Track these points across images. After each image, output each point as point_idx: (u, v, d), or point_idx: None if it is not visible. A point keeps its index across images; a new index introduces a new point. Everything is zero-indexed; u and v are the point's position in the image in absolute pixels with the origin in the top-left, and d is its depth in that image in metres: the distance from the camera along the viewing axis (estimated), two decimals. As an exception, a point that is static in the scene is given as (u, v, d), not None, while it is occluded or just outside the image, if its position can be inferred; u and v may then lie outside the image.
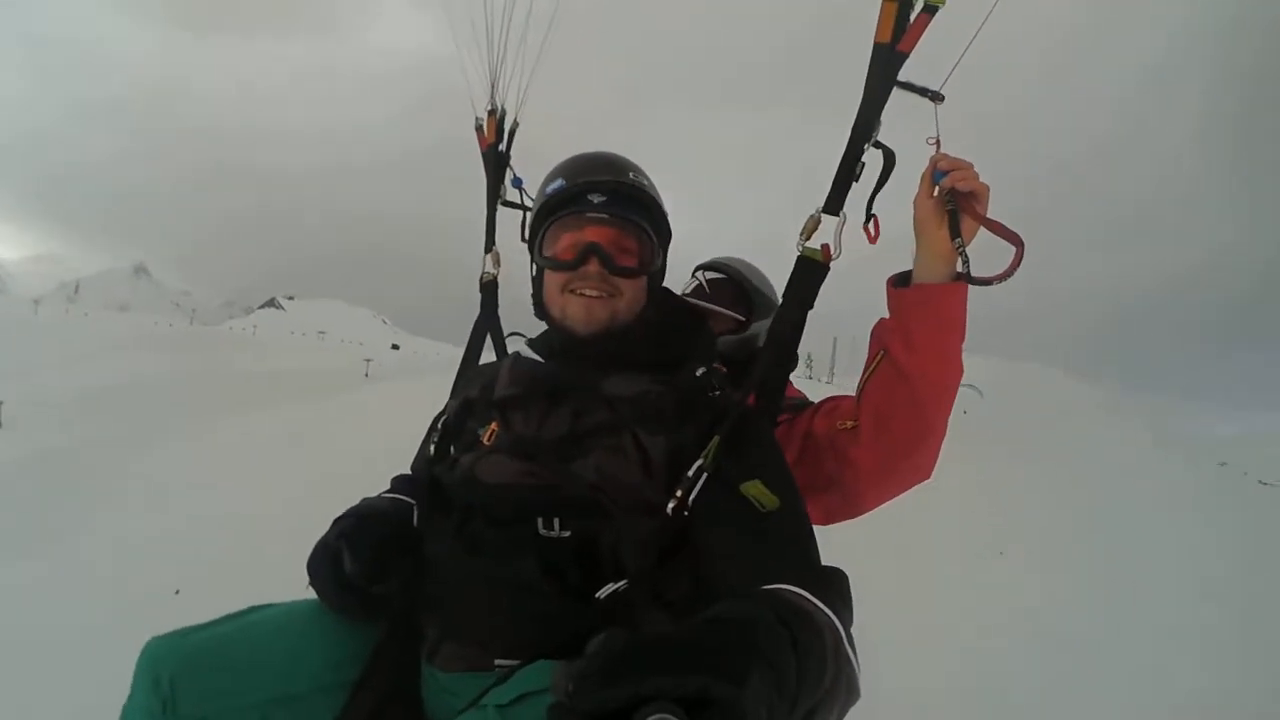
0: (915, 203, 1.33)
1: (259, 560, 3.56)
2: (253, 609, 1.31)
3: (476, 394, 1.43)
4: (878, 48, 1.28)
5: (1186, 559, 6.43)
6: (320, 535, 1.31)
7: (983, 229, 1.25)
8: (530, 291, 1.53)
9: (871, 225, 1.32)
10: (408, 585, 1.28)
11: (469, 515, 1.26)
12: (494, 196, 1.78)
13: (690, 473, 1.17)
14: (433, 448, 1.47)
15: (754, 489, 1.13)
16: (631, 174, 1.43)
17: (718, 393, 1.33)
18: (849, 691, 0.85)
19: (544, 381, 1.37)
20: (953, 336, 1.30)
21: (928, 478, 1.42)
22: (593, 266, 1.37)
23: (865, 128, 1.31)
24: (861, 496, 1.46)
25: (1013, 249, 1.19)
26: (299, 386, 15.01)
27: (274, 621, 1.29)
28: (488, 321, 1.75)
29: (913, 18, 1.26)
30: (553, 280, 1.43)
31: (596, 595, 1.12)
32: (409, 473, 1.54)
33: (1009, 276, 1.19)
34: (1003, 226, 1.22)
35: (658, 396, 1.29)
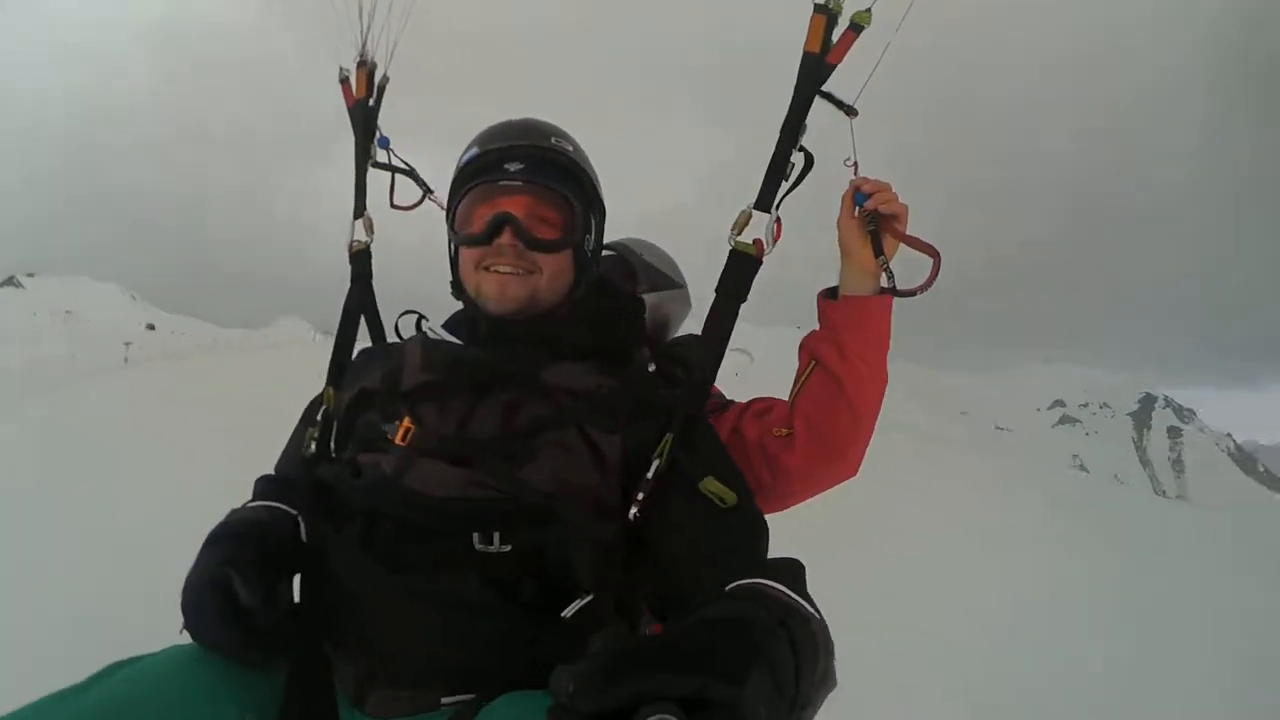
0: (839, 224, 1.38)
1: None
2: (117, 665, 1.04)
3: (377, 383, 1.28)
4: (807, 55, 1.30)
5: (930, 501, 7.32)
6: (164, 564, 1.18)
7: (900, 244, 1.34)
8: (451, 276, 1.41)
9: (775, 227, 1.34)
10: (308, 614, 1.12)
11: (374, 526, 1.12)
12: (363, 157, 1.59)
13: (650, 473, 1.12)
14: (313, 445, 1.32)
15: (712, 486, 1.10)
16: (553, 139, 1.34)
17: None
18: (832, 684, 0.87)
19: (471, 368, 1.23)
20: (882, 345, 1.39)
21: (855, 474, 1.50)
22: (506, 239, 1.26)
23: (792, 131, 1.31)
24: (791, 497, 1.52)
25: (930, 260, 1.28)
26: (43, 378, 13.00)
27: (150, 679, 1.01)
28: (361, 297, 1.53)
29: (839, 34, 1.29)
30: (467, 257, 1.32)
31: (562, 614, 1.05)
32: (273, 474, 1.38)
33: (930, 286, 1.27)
34: (921, 241, 1.29)
35: (611, 392, 1.21)
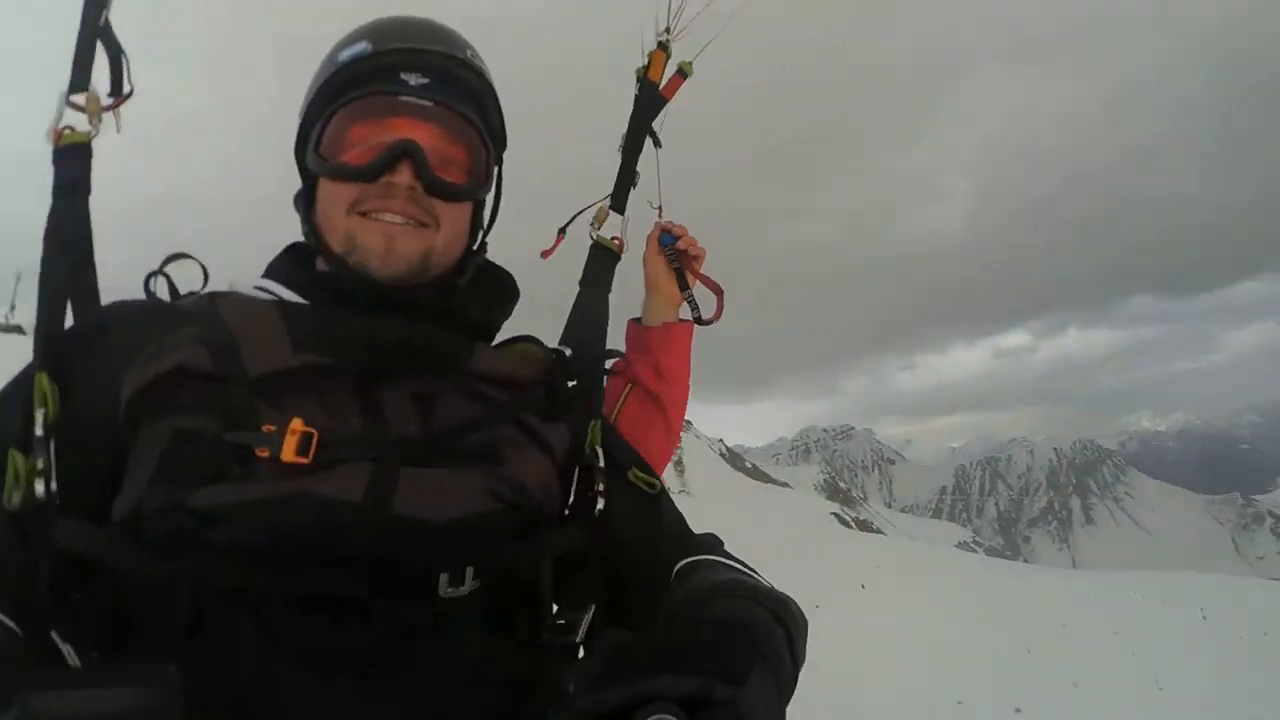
0: (646, 259, 1.52)
1: None
2: None
3: (208, 363, 0.83)
4: (649, 81, 1.39)
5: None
6: None
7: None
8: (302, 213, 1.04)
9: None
10: None
11: (267, 607, 0.75)
12: (96, 7, 0.95)
13: (600, 463, 1.02)
14: (41, 485, 0.76)
15: (639, 474, 1.05)
16: (469, 51, 1.02)
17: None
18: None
19: (385, 346, 0.91)
20: (688, 365, 1.54)
21: (660, 476, 1.41)
22: (403, 177, 0.92)
23: (637, 143, 1.37)
24: None
25: (716, 296, 1.51)
26: None
27: None
28: (72, 222, 0.90)
29: (668, 78, 1.41)
30: (335, 195, 0.95)
31: (576, 640, 0.91)
32: None
33: (720, 316, 1.51)
34: (711, 279, 1.51)
35: (537, 379, 1.03)
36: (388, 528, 0.80)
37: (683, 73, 1.41)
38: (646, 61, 1.39)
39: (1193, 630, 6.90)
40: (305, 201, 1.03)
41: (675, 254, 1.49)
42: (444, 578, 0.80)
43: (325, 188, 0.98)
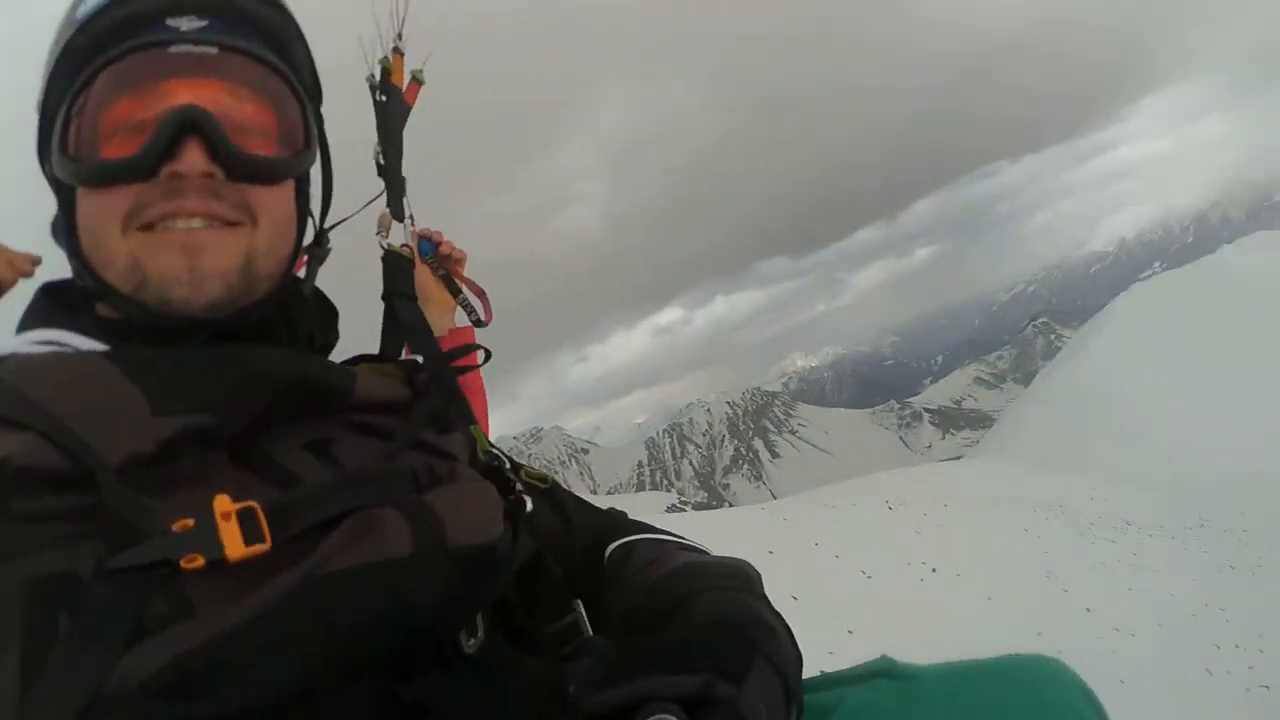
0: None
1: None
2: None
3: (48, 457, 0.56)
4: (395, 87, 1.33)
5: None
6: None
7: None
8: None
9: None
10: None
11: None
12: None
13: (508, 467, 0.89)
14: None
15: (529, 472, 0.94)
16: None
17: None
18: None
19: (268, 388, 0.68)
20: (479, 372, 1.47)
21: None
22: (192, 160, 0.66)
23: (398, 151, 1.29)
24: None
25: (480, 299, 1.53)
26: None
27: None
28: None
29: (408, 83, 1.36)
30: (103, 209, 0.68)
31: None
32: None
33: (491, 317, 1.52)
34: (473, 282, 1.53)
35: (415, 393, 0.83)
36: (452, 572, 0.63)
37: (417, 80, 1.37)
38: (381, 68, 1.32)
39: (883, 520, 7.31)
40: (65, 228, 0.73)
41: (438, 260, 1.47)
42: (464, 634, 0.65)
43: (87, 201, 0.69)
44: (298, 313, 0.81)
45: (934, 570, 5.40)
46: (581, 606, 0.84)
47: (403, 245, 1.29)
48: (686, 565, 0.82)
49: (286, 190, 0.77)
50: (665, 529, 0.94)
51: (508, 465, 0.90)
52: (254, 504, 0.58)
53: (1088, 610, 4.42)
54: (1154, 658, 3.67)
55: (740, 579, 0.80)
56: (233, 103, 0.70)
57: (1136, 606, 4.36)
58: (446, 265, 1.48)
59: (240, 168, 0.69)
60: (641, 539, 0.90)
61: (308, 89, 0.80)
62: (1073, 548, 5.93)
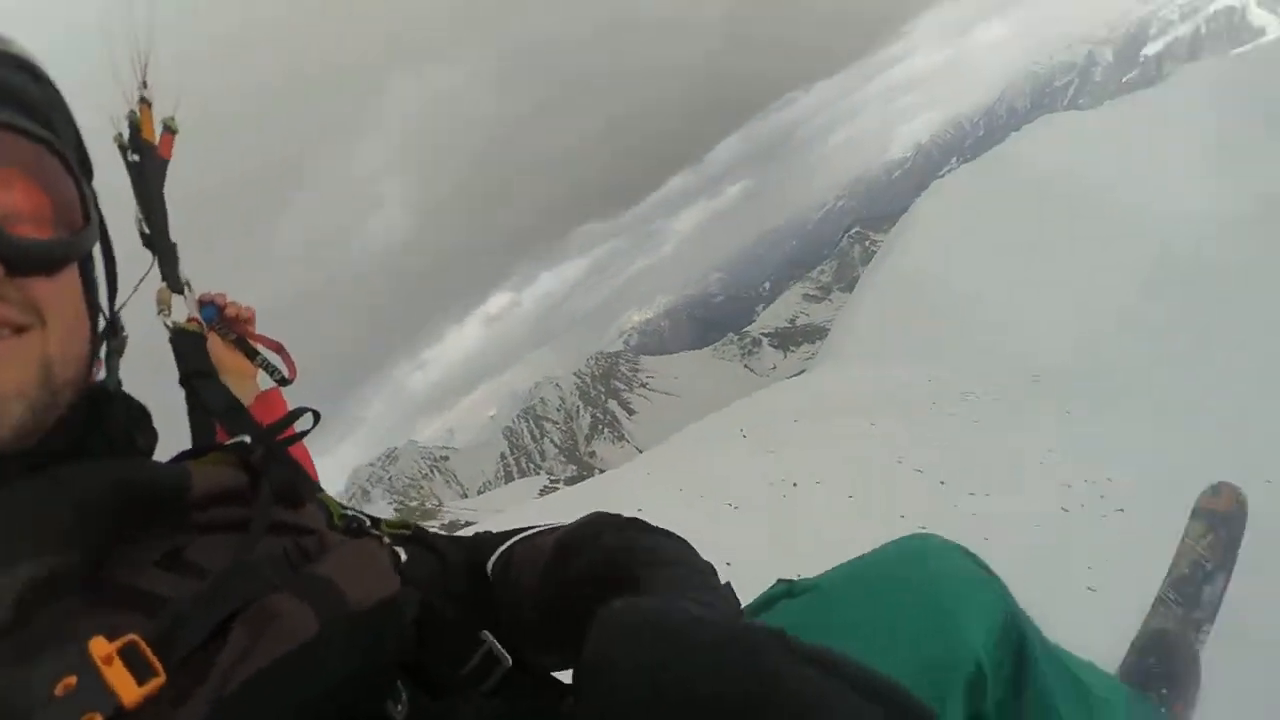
0: None
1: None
2: None
3: None
4: (147, 143, 1.11)
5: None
6: None
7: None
8: None
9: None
10: None
11: None
12: None
13: (368, 522, 0.83)
14: None
15: (389, 525, 0.87)
16: (11, 44, 0.66)
17: None
18: None
19: (110, 510, 0.56)
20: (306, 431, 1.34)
21: None
22: None
23: (163, 214, 1.08)
24: None
25: (279, 353, 1.39)
26: None
27: None
28: None
29: (160, 135, 1.15)
30: None
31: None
32: None
33: (295, 370, 1.38)
34: (267, 337, 1.39)
35: (247, 475, 0.73)
36: (366, 637, 0.59)
37: (170, 129, 1.20)
38: (130, 124, 1.14)
39: (739, 449, 7.29)
40: None
41: (225, 325, 1.34)
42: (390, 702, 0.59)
43: None
44: (108, 414, 0.69)
45: (795, 485, 5.40)
46: (490, 635, 0.76)
47: (189, 319, 1.17)
48: (558, 540, 0.85)
49: (71, 278, 0.65)
50: (530, 525, 0.95)
51: (368, 523, 0.85)
52: (134, 637, 0.48)
53: (941, 483, 4.48)
54: (1010, 510, 3.73)
55: (599, 525, 0.84)
56: (1, 187, 0.60)
57: (986, 468, 4.47)
58: (235, 327, 1.36)
59: (22, 260, 0.58)
60: (514, 541, 0.92)
61: (78, 160, 0.69)
62: (918, 430, 6.17)
